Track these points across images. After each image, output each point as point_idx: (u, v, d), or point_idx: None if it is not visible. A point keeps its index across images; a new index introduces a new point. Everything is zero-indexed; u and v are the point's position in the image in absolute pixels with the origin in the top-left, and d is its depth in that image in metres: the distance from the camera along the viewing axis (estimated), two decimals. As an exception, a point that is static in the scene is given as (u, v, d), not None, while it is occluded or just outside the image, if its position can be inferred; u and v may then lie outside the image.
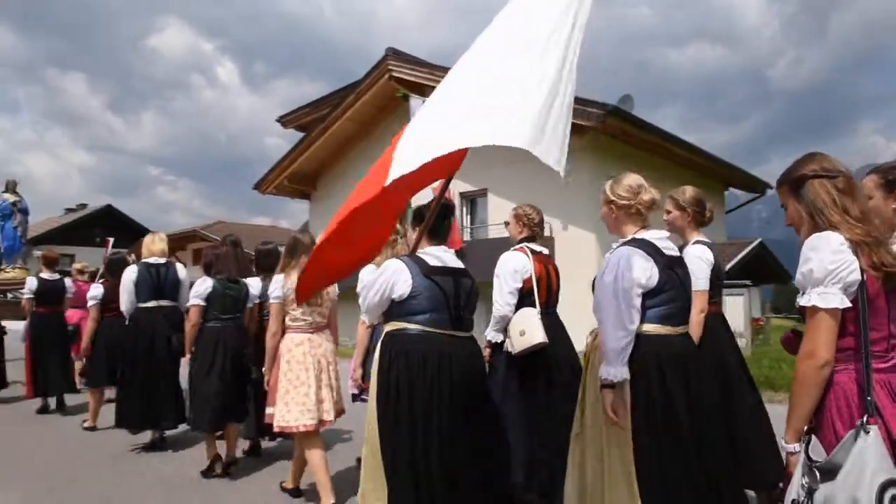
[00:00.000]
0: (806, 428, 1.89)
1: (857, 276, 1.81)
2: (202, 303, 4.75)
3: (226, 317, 4.81)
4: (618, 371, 2.52)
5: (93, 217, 38.88)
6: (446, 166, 2.81)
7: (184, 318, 5.30)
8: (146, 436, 5.76)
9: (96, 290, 6.58)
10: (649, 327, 2.61)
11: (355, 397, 4.26)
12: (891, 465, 1.69)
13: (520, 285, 3.60)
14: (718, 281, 3.53)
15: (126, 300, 5.58)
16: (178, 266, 5.85)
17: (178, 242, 26.33)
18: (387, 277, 2.92)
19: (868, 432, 1.71)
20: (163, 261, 5.70)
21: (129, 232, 33.67)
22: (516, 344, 3.49)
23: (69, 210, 43.67)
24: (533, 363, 3.57)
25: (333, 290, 4.26)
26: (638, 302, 2.55)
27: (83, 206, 43.09)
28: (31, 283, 7.37)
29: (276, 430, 3.97)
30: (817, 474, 1.74)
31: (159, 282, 5.59)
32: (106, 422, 6.14)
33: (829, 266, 1.82)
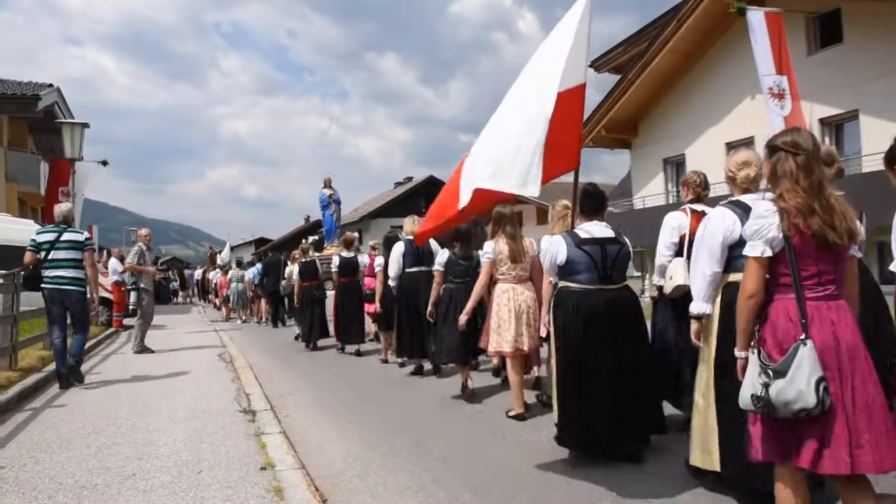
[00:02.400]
0: (753, 342, 2.46)
1: (775, 233, 2.40)
2: (442, 269, 6.10)
3: (458, 280, 5.99)
4: (701, 307, 3.21)
5: (417, 189, 43.37)
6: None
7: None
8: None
9: (379, 260, 8.26)
10: (738, 276, 2.92)
11: (543, 339, 4.95)
12: (821, 367, 2.29)
13: (676, 240, 4.28)
14: None
15: (394, 268, 7.30)
16: (431, 240, 7.10)
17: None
18: (551, 248, 3.99)
19: (806, 345, 2.31)
20: None
21: (447, 199, 36.70)
22: (667, 286, 4.22)
23: (398, 184, 49.67)
24: (684, 303, 4.04)
25: (533, 250, 5.15)
26: (719, 253, 3.10)
27: (409, 178, 48.66)
28: (335, 260, 9.35)
29: (490, 353, 5.33)
30: (771, 374, 2.33)
31: (419, 253, 7.17)
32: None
33: (754, 227, 2.47)
